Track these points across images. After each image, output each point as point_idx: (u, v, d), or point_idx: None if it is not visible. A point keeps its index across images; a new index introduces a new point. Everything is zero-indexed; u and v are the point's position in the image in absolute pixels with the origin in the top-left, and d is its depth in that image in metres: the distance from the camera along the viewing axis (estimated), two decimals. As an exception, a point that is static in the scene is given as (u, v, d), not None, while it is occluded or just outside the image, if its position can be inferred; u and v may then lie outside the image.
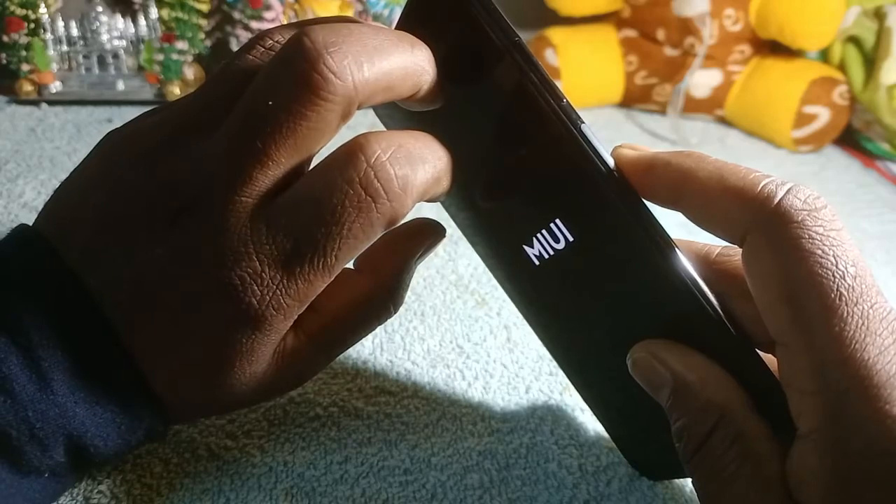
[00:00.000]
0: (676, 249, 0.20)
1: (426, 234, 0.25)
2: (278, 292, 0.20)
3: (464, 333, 0.34)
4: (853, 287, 0.17)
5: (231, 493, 0.25)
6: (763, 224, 0.18)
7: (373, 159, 0.19)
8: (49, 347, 0.20)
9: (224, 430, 0.27)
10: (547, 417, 0.29)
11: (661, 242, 0.20)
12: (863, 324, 0.17)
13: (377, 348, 0.33)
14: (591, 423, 0.29)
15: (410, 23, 0.22)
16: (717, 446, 0.19)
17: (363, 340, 0.33)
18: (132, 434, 0.22)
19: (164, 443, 0.26)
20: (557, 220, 0.22)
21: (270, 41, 0.22)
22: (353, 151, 0.19)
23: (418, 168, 0.20)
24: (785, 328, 0.18)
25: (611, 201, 0.20)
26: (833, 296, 0.17)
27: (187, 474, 0.26)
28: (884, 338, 0.17)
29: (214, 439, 0.27)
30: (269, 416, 0.28)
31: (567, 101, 0.20)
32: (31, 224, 0.22)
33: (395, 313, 0.25)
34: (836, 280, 0.17)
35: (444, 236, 0.26)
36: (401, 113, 0.24)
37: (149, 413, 0.22)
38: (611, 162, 0.20)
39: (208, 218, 0.20)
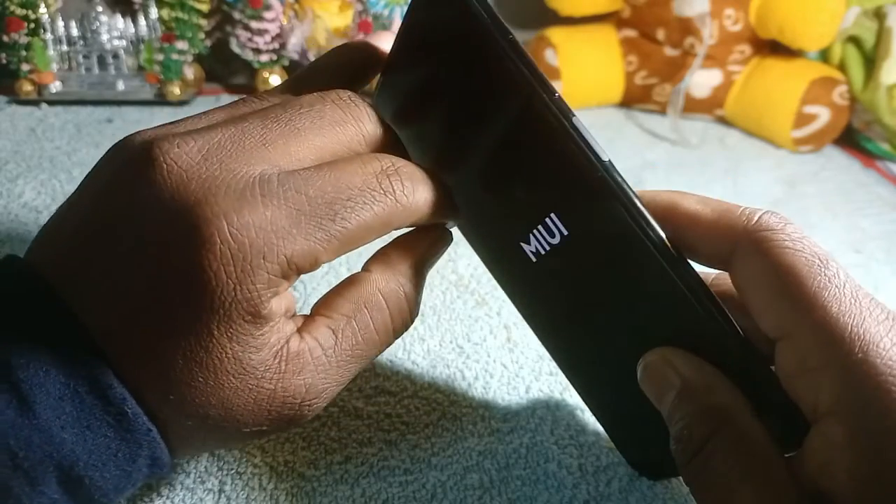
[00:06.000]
0: (668, 245, 0.20)
1: (434, 233, 0.25)
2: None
3: (464, 333, 0.34)
4: (837, 274, 0.19)
5: (231, 493, 0.25)
6: (749, 234, 0.20)
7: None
8: (30, 369, 0.18)
9: (224, 430, 0.27)
10: (547, 417, 0.29)
11: (654, 235, 0.20)
12: (856, 301, 0.19)
13: (377, 348, 0.33)
14: (591, 423, 0.29)
15: (412, 30, 0.23)
16: (717, 448, 0.19)
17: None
18: (131, 463, 0.20)
19: (169, 475, 0.25)
20: (553, 215, 0.22)
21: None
22: None
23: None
24: (785, 318, 0.19)
25: (602, 193, 0.20)
26: (824, 280, 0.19)
27: (188, 474, 0.26)
28: (877, 314, 0.19)
29: (214, 439, 0.27)
30: (270, 416, 0.28)
31: (559, 94, 0.20)
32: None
33: (412, 320, 0.24)
34: (823, 269, 0.19)
35: (451, 240, 0.25)
36: (399, 112, 0.24)
37: (147, 438, 0.20)
38: (603, 155, 0.20)
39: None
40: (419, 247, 0.24)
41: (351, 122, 0.22)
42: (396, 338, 0.24)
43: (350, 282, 0.23)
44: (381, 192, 0.21)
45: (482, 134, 0.22)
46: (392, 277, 0.23)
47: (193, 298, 0.19)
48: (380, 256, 0.24)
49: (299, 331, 0.21)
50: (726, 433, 0.19)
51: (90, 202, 0.20)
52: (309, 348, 0.21)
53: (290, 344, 0.21)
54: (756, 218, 0.20)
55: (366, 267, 0.24)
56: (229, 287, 0.19)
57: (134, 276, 0.19)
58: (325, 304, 0.22)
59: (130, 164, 0.20)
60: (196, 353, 0.19)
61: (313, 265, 0.20)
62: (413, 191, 0.22)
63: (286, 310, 0.21)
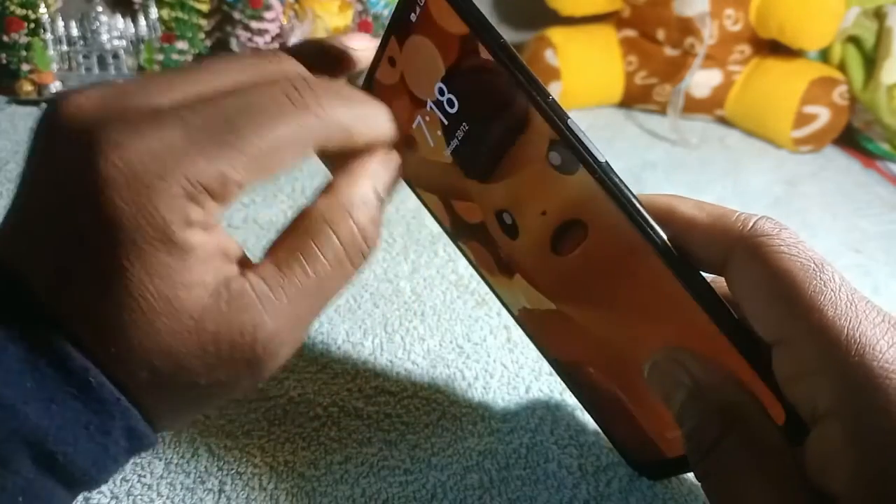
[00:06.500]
0: (670, 246, 0.20)
1: (379, 156, 0.23)
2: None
3: (464, 333, 0.34)
4: (833, 278, 0.19)
5: (231, 493, 0.25)
6: (745, 240, 0.20)
7: None
8: None
9: (224, 430, 0.27)
10: (547, 417, 0.29)
11: (655, 235, 0.20)
12: (852, 304, 0.19)
13: (377, 348, 0.33)
14: (590, 424, 0.29)
15: (402, 31, 0.23)
16: (731, 446, 0.19)
17: (363, 340, 0.33)
18: (106, 436, 0.19)
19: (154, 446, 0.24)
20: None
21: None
22: None
23: None
24: (782, 323, 0.19)
25: (603, 192, 0.20)
26: (819, 284, 0.19)
27: (187, 474, 0.26)
28: (873, 316, 0.19)
29: (214, 439, 0.27)
30: (269, 416, 0.28)
31: (552, 97, 0.21)
32: None
33: (369, 248, 0.22)
34: (818, 273, 0.19)
35: (399, 162, 0.24)
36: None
37: (118, 408, 0.19)
38: (600, 156, 0.20)
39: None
40: (365, 171, 0.23)
41: (274, 66, 0.22)
42: (356, 268, 0.22)
43: (297, 217, 0.22)
44: (290, 103, 0.20)
45: (475, 139, 0.22)
46: (338, 204, 0.22)
47: (101, 236, 0.18)
48: (326, 187, 0.23)
49: (242, 272, 0.20)
50: (739, 431, 0.19)
51: (26, 171, 0.21)
52: (252, 285, 0.20)
53: (232, 284, 0.20)
54: (751, 224, 0.20)
55: (313, 200, 0.22)
56: (129, 214, 0.18)
57: (56, 232, 0.19)
58: (272, 245, 0.21)
59: (42, 123, 0.20)
60: (118, 294, 0.18)
61: (225, 186, 0.19)
62: (330, 102, 0.21)
63: (222, 249, 0.20)
